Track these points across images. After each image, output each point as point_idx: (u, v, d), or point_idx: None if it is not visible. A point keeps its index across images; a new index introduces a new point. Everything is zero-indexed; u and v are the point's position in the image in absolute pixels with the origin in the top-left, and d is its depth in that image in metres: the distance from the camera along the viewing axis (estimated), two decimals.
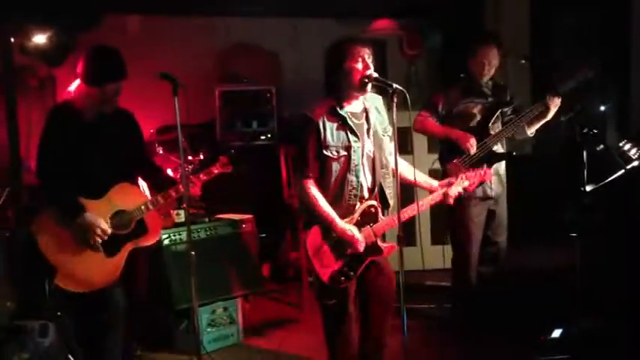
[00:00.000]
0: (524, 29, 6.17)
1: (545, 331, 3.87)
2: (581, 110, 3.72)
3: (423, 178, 3.31)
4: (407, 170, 3.26)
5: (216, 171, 3.57)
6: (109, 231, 3.28)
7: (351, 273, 3.12)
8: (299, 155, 3.14)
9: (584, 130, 3.64)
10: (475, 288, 4.13)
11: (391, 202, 3.21)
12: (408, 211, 3.14)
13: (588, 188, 3.70)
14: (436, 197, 3.23)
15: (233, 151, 3.68)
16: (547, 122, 4.01)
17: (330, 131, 3.07)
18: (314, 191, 3.08)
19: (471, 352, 3.97)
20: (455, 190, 3.23)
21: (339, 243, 3.10)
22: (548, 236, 5.26)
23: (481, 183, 3.40)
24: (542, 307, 4.24)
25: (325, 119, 3.07)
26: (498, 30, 6.26)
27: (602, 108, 5.47)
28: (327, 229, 3.10)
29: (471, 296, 4.14)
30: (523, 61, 5.03)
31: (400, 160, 3.10)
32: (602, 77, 5.53)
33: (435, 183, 3.29)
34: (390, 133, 3.25)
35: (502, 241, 4.23)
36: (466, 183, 3.29)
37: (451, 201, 3.23)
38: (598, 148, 3.81)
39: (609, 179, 3.76)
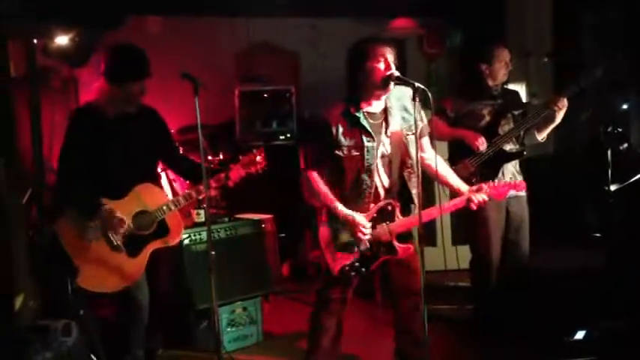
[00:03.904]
0: (547, 27, 6.10)
1: (568, 332, 3.82)
2: (594, 111, 3.68)
3: (456, 181, 3.28)
4: (443, 169, 3.27)
5: (253, 169, 3.54)
6: (127, 222, 3.28)
7: (363, 269, 3.15)
8: (307, 151, 3.19)
9: (609, 129, 3.60)
10: (497, 289, 4.09)
11: (416, 201, 3.15)
12: (430, 213, 3.14)
13: (612, 188, 3.66)
14: (458, 201, 3.18)
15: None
16: (569, 122, 3.96)
17: (343, 132, 3.12)
18: (317, 181, 3.14)
19: (493, 353, 3.93)
20: (480, 196, 3.15)
21: (350, 235, 3.12)
22: (572, 236, 5.20)
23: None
24: (564, 308, 4.19)
25: (339, 120, 3.12)
26: (521, 28, 6.22)
27: (625, 106, 5.39)
28: (337, 221, 3.12)
29: (492, 297, 4.10)
30: (546, 59, 4.98)
31: (439, 158, 3.21)
32: (626, 75, 5.46)
33: (465, 188, 3.22)
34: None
35: (523, 242, 4.16)
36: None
37: (474, 206, 3.16)
38: (622, 147, 3.76)
39: (634, 178, 3.70)
